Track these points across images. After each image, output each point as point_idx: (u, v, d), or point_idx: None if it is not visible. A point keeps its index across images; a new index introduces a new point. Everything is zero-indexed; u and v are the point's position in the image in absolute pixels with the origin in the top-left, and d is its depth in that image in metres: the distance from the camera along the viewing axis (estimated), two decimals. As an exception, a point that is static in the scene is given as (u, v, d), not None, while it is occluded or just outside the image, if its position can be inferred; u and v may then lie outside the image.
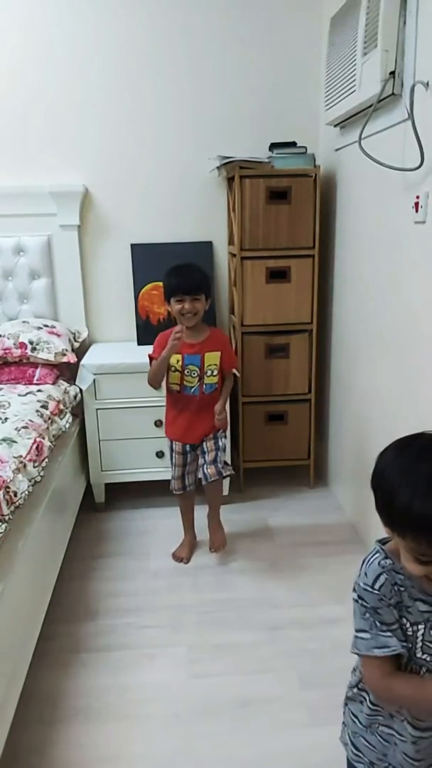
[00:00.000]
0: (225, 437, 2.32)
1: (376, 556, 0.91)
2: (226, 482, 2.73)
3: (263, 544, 2.45)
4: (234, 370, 2.30)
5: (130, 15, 2.69)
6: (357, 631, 0.91)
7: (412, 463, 0.80)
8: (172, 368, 2.19)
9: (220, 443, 2.27)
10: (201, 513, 2.42)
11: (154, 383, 2.21)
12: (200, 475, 2.29)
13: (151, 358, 2.21)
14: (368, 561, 0.91)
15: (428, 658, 0.90)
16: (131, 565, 2.32)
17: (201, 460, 2.28)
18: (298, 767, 1.46)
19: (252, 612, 2.03)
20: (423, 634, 0.89)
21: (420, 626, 0.89)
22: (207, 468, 2.24)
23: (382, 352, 2.20)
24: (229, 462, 2.34)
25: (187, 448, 2.28)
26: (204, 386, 2.20)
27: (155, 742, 1.55)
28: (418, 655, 0.90)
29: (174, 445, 2.30)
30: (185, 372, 2.18)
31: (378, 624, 0.88)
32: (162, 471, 2.70)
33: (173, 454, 2.31)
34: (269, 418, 2.80)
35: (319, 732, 1.54)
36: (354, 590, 0.91)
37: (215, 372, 2.20)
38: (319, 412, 2.90)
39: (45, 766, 1.49)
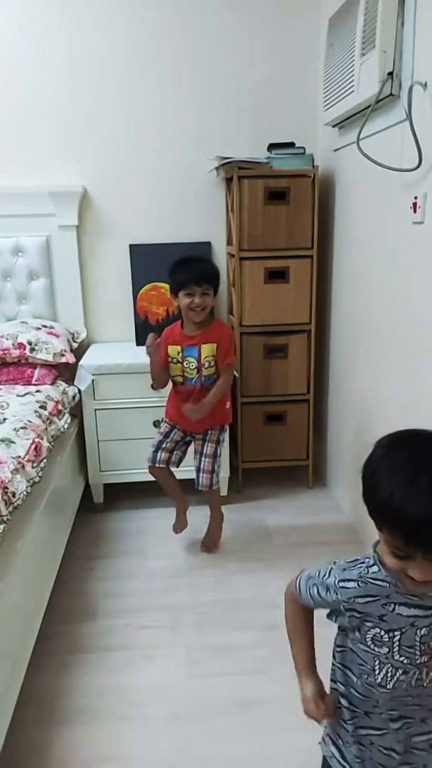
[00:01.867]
0: (225, 431, 2.32)
1: (366, 561, 0.92)
2: (224, 483, 2.73)
3: (262, 544, 2.45)
4: (235, 372, 2.30)
5: (130, 16, 2.69)
6: (307, 574, 1.01)
7: (400, 460, 0.81)
8: (174, 360, 2.20)
9: (219, 450, 2.27)
10: (201, 512, 2.42)
11: (157, 382, 2.24)
12: (194, 476, 2.30)
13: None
14: (356, 563, 0.94)
15: (405, 661, 0.90)
16: (130, 565, 2.32)
17: (197, 463, 2.28)
18: (298, 766, 1.46)
19: (250, 612, 2.04)
20: (400, 640, 0.90)
21: (396, 633, 0.89)
22: (202, 476, 2.26)
23: (380, 352, 2.20)
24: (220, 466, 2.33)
25: (174, 431, 2.31)
26: (203, 377, 2.20)
27: (153, 742, 1.55)
28: (395, 657, 0.90)
29: (163, 424, 2.34)
30: (185, 364, 2.19)
31: (317, 587, 0.97)
32: (161, 471, 2.70)
33: (162, 425, 2.33)
34: (268, 418, 2.80)
35: (316, 733, 1.53)
36: (334, 562, 0.97)
37: (212, 363, 2.20)
38: (318, 413, 2.90)
39: (44, 766, 1.49)
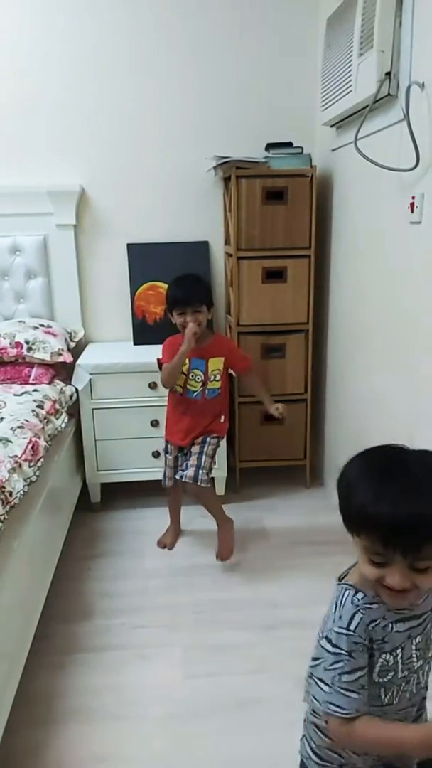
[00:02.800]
0: (218, 444, 2.28)
1: (347, 593, 0.90)
2: (221, 482, 2.73)
3: (259, 544, 2.45)
4: (231, 371, 2.30)
5: (129, 16, 2.69)
6: (318, 678, 0.89)
7: (371, 468, 0.84)
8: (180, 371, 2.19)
9: (207, 448, 2.23)
10: (195, 511, 2.42)
11: (170, 381, 2.19)
12: (179, 473, 2.27)
13: (160, 363, 2.22)
14: (341, 603, 0.90)
15: (407, 673, 0.91)
16: (127, 565, 2.32)
17: (183, 459, 2.28)
18: (294, 766, 1.46)
19: (247, 612, 2.03)
20: (401, 656, 0.90)
21: (398, 651, 0.90)
22: (188, 470, 2.21)
23: (378, 352, 2.20)
24: (213, 468, 2.28)
25: (169, 448, 2.33)
26: (206, 391, 2.21)
27: (150, 742, 1.55)
28: (399, 676, 0.91)
29: (168, 447, 2.33)
30: (190, 376, 2.19)
31: (341, 678, 0.86)
32: (158, 471, 2.68)
33: (167, 455, 2.34)
34: (265, 418, 2.79)
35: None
36: (326, 638, 0.89)
37: (218, 377, 2.21)
38: (316, 412, 2.90)
39: (40, 766, 1.49)
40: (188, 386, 2.21)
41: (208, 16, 2.72)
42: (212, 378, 2.20)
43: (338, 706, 0.86)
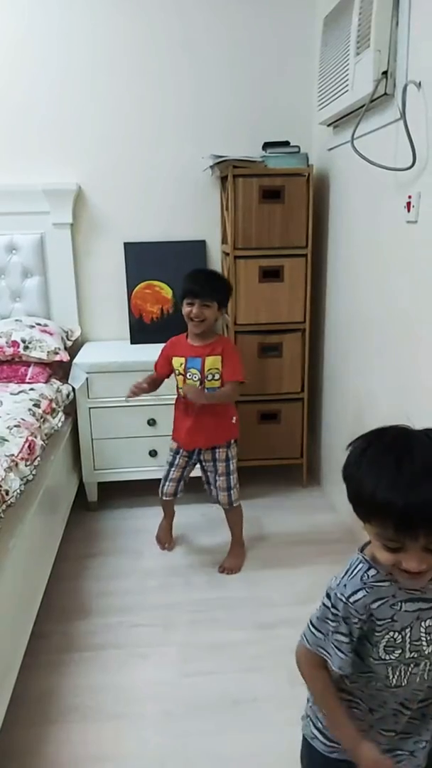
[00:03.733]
0: (230, 452, 2.25)
1: (360, 567, 0.92)
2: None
3: (255, 543, 2.45)
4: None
5: (126, 15, 2.68)
6: (313, 625, 0.95)
7: (379, 454, 0.83)
8: (177, 372, 2.19)
9: (231, 466, 2.24)
10: (195, 511, 2.42)
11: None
12: (212, 494, 2.29)
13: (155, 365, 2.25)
14: (351, 572, 0.92)
15: (415, 655, 0.91)
16: (124, 564, 2.32)
17: (212, 481, 2.26)
18: (289, 765, 1.46)
19: (244, 611, 2.04)
20: (410, 636, 0.90)
21: (407, 630, 0.90)
22: (220, 495, 2.24)
23: (374, 351, 2.20)
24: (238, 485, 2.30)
25: (183, 452, 2.27)
26: (206, 390, 2.15)
27: (147, 740, 1.55)
28: (407, 656, 0.91)
29: (177, 458, 2.29)
30: (187, 375, 2.17)
31: (335, 633, 0.91)
32: (155, 470, 2.68)
33: (171, 468, 2.30)
34: (262, 417, 2.80)
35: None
36: (327, 594, 0.93)
37: (216, 377, 2.15)
38: (312, 412, 2.91)
39: (37, 765, 1.49)
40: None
41: (205, 15, 2.72)
42: (209, 377, 2.16)
43: (326, 653, 0.93)
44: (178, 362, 2.17)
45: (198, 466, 2.31)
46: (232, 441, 2.26)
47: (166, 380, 2.28)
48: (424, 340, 1.77)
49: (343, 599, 0.90)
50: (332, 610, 0.91)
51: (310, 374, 2.81)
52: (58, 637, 1.92)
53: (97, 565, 2.32)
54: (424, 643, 0.91)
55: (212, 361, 2.15)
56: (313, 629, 0.95)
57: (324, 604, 0.93)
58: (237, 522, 2.33)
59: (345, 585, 0.91)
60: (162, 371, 2.25)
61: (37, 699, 1.68)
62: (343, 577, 0.93)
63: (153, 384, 2.26)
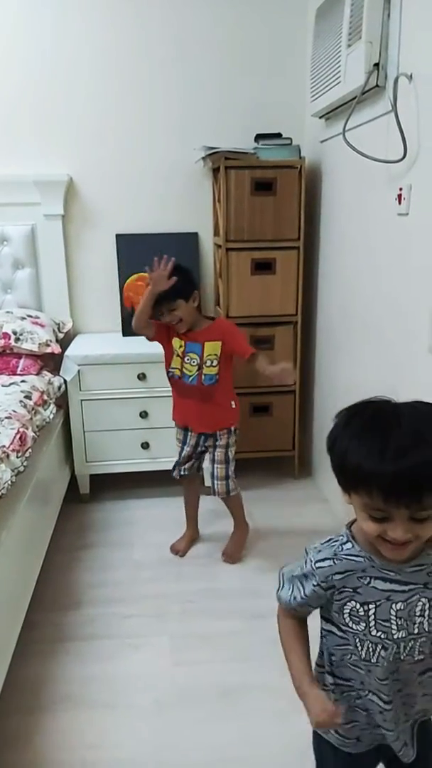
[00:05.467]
0: (230, 441, 2.24)
1: (339, 539, 0.95)
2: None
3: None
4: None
5: (117, 7, 2.67)
6: (286, 571, 1.02)
7: (364, 425, 0.84)
8: (175, 353, 2.16)
9: (230, 454, 2.23)
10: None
11: (137, 325, 2.12)
12: (207, 483, 2.28)
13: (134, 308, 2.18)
14: (331, 542, 0.96)
15: (382, 636, 0.92)
16: (115, 555, 2.33)
17: (209, 469, 2.26)
18: (280, 753, 1.48)
19: (235, 601, 2.05)
20: (375, 613, 0.91)
21: (371, 605, 0.91)
22: (217, 484, 2.24)
23: (365, 343, 2.21)
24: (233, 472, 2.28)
25: (188, 434, 2.25)
26: (203, 377, 2.13)
27: (138, 729, 1.57)
28: (372, 633, 0.92)
29: (176, 431, 2.29)
30: (185, 359, 2.14)
31: (295, 578, 0.99)
32: (147, 462, 2.70)
33: (182, 445, 2.28)
34: (254, 409, 2.81)
35: (300, 719, 1.54)
36: (305, 550, 0.99)
37: (215, 363, 2.13)
38: (304, 404, 2.92)
39: (29, 753, 1.50)
40: (184, 370, 2.16)
41: (197, 6, 2.70)
42: (208, 363, 2.12)
43: (280, 597, 1.02)
44: (177, 343, 2.14)
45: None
46: (233, 429, 2.24)
47: (156, 373, 2.26)
48: (415, 332, 1.78)
49: (312, 561, 0.95)
50: (301, 562, 0.98)
51: (302, 367, 2.82)
52: (50, 628, 1.93)
53: (88, 556, 2.32)
54: (394, 627, 0.91)
55: (212, 347, 2.12)
56: (285, 572, 1.02)
57: (303, 557, 0.99)
58: (237, 507, 2.33)
59: (319, 551, 0.96)
60: (156, 330, 2.16)
61: (29, 688, 1.69)
62: (323, 542, 0.97)
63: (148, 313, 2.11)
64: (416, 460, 0.78)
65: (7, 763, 1.47)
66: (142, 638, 1.88)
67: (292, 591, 0.98)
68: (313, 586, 0.94)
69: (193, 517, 2.41)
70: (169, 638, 1.89)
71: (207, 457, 2.28)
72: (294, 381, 2.09)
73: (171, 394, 2.29)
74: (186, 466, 2.29)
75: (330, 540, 0.96)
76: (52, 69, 2.70)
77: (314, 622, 1.03)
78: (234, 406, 2.25)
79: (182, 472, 2.31)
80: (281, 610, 1.03)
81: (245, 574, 2.21)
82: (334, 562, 0.93)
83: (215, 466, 2.24)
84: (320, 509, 2.64)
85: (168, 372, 2.21)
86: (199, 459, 2.31)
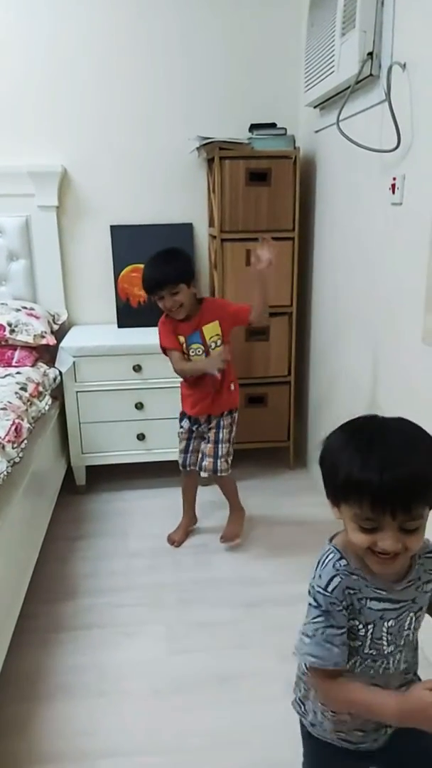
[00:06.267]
0: (233, 423, 2.24)
1: (331, 557, 0.92)
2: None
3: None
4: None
5: (109, -8, 2.65)
6: (302, 632, 0.92)
7: (351, 438, 0.86)
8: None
9: (222, 435, 2.21)
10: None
11: (186, 375, 2.16)
12: (205, 462, 2.26)
13: (164, 348, 2.16)
14: (323, 563, 0.92)
15: (374, 653, 0.93)
16: (111, 545, 2.34)
17: (203, 446, 2.25)
18: (276, 739, 1.49)
19: (230, 590, 2.06)
20: (372, 633, 0.92)
21: (370, 626, 0.91)
22: (206, 460, 2.22)
23: (360, 333, 2.22)
24: (230, 457, 2.28)
25: (195, 425, 2.24)
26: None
27: (134, 716, 1.58)
28: (366, 651, 0.92)
29: (183, 421, 2.27)
30: (190, 353, 2.13)
31: (324, 632, 0.89)
32: (143, 453, 2.71)
33: (181, 429, 2.28)
34: (249, 400, 2.81)
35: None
36: (309, 592, 0.92)
37: (219, 343, 2.12)
38: (299, 395, 2.93)
39: (25, 741, 1.51)
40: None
41: (191, -6, 2.69)
42: (212, 345, 2.11)
43: (317, 657, 0.89)
44: (180, 340, 2.14)
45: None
46: (234, 412, 2.25)
47: (151, 364, 2.25)
48: (408, 322, 1.79)
49: (322, 590, 0.90)
50: (314, 605, 0.90)
51: (296, 357, 2.82)
52: (46, 618, 1.94)
53: (84, 546, 2.34)
54: (385, 643, 0.92)
55: (211, 328, 2.11)
56: (303, 637, 0.91)
57: (309, 605, 0.92)
58: (232, 489, 2.34)
59: (320, 576, 0.91)
60: (179, 346, 2.15)
61: (25, 677, 1.70)
62: (316, 569, 0.92)
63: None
64: (403, 469, 0.79)
65: (2, 752, 1.49)
66: (138, 627, 1.90)
67: (328, 638, 0.89)
68: (339, 611, 0.89)
69: (191, 506, 2.41)
70: (164, 627, 1.90)
71: (208, 438, 2.25)
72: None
73: (168, 386, 2.28)
74: (191, 460, 2.27)
75: (321, 561, 0.93)
76: (47, 60, 2.68)
77: (297, 617, 1.01)
78: (233, 389, 2.24)
79: (188, 467, 2.28)
80: (321, 676, 0.91)
81: (240, 563, 2.22)
82: (341, 578, 0.90)
83: (219, 445, 2.22)
84: (315, 499, 2.64)
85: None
86: (196, 447, 2.30)
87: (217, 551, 2.30)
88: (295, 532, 2.38)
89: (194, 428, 2.26)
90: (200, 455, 2.26)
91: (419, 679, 1.02)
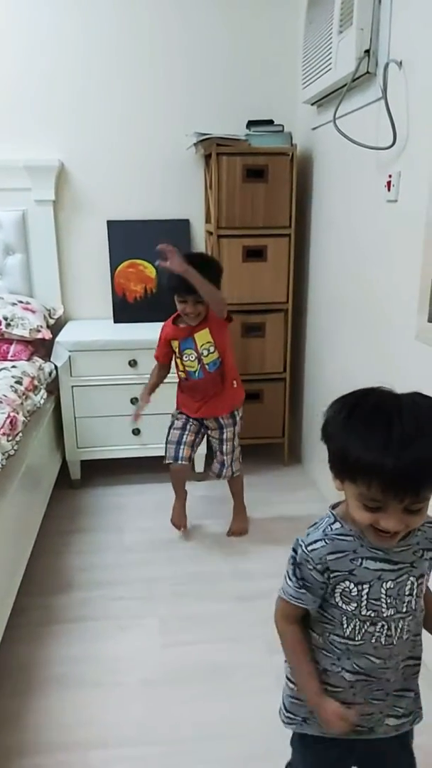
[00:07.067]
0: (236, 425, 2.29)
1: (326, 520, 0.95)
2: (201, 460, 2.76)
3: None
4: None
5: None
6: (285, 575, 0.99)
7: (366, 415, 0.84)
8: (175, 354, 2.18)
9: (237, 442, 2.29)
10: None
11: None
12: (215, 470, 2.32)
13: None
14: (317, 525, 0.96)
15: (372, 614, 0.93)
16: (105, 539, 2.35)
17: (216, 449, 2.29)
18: (267, 730, 1.50)
19: (224, 584, 2.08)
20: (368, 593, 0.93)
21: (365, 585, 0.92)
22: (225, 466, 2.30)
23: (354, 330, 2.23)
24: (240, 455, 2.37)
25: (190, 421, 2.25)
26: (206, 366, 2.14)
27: (127, 707, 1.59)
28: (363, 612, 0.94)
29: (174, 421, 2.28)
30: (183, 358, 2.15)
31: (296, 577, 0.96)
32: (138, 448, 2.72)
33: (171, 428, 2.27)
34: (245, 396, 2.81)
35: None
36: (296, 540, 0.97)
37: (212, 349, 2.14)
38: (294, 391, 2.94)
39: (20, 732, 1.52)
40: (187, 368, 2.17)
41: (189, -10, 2.69)
42: (204, 353, 2.13)
43: (283, 589, 0.98)
44: (174, 345, 2.17)
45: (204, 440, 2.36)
46: (237, 410, 2.28)
47: (147, 360, 2.28)
48: (402, 318, 1.80)
49: (303, 546, 0.94)
50: (292, 553, 0.97)
51: (292, 354, 2.83)
52: (40, 610, 1.95)
53: (79, 540, 2.34)
54: (384, 606, 0.93)
55: (202, 336, 2.13)
56: (285, 578, 0.99)
57: (293, 549, 0.97)
58: (239, 489, 2.40)
59: (308, 534, 0.95)
60: (164, 360, 2.24)
61: (19, 669, 1.71)
62: (310, 527, 0.97)
63: (156, 384, 2.28)
64: (417, 454, 0.78)
65: (-3, 742, 1.50)
66: (132, 620, 1.91)
67: (293, 583, 0.96)
68: (309, 570, 0.93)
69: (183, 492, 2.36)
70: (158, 619, 1.91)
71: (213, 443, 2.30)
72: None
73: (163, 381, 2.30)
74: (185, 454, 2.26)
75: (316, 523, 0.96)
76: (45, 54, 2.68)
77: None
78: (235, 386, 2.26)
79: (180, 461, 2.26)
80: (282, 618, 1.01)
81: (234, 558, 2.23)
82: (325, 542, 0.92)
83: (225, 446, 2.27)
84: (309, 495, 2.67)
85: (178, 375, 2.24)
86: (196, 450, 2.31)
87: (210, 546, 2.31)
88: (288, 528, 2.39)
89: (192, 422, 2.26)
90: (219, 458, 2.30)
91: (418, 665, 1.02)
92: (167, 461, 2.28)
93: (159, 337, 2.23)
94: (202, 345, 2.14)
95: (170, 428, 2.29)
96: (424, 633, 1.02)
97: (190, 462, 2.31)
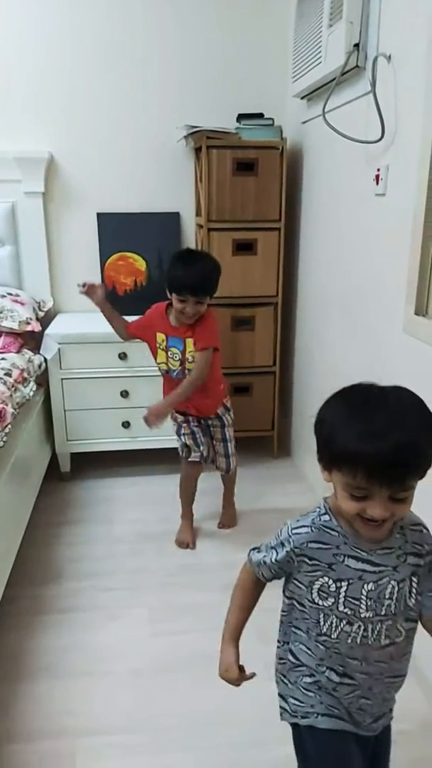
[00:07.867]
0: (228, 421, 2.30)
1: (317, 510, 0.98)
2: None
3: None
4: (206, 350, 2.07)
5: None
6: (266, 541, 1.04)
7: (352, 408, 0.87)
8: (160, 346, 2.14)
9: (228, 434, 2.31)
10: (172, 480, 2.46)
11: (118, 333, 2.23)
12: (222, 465, 2.35)
13: (134, 322, 2.18)
14: (307, 513, 0.99)
15: (349, 612, 0.95)
16: (95, 531, 2.35)
17: (222, 449, 2.32)
18: (256, 718, 1.52)
19: (213, 575, 2.09)
20: (346, 591, 0.94)
21: (343, 583, 0.94)
22: (229, 461, 2.34)
23: (343, 323, 2.24)
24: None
25: (190, 420, 2.24)
26: (186, 371, 2.11)
27: (116, 696, 1.60)
28: (340, 609, 0.95)
29: (176, 424, 2.26)
30: (168, 354, 2.12)
31: (271, 552, 1.01)
32: (128, 441, 2.72)
33: (182, 432, 2.25)
34: (234, 390, 2.82)
35: (275, 685, 1.60)
36: (285, 522, 1.01)
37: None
38: (283, 384, 2.95)
39: (8, 721, 1.53)
40: (170, 365, 2.14)
41: (180, -18, 2.68)
42: (190, 359, 2.09)
43: (250, 555, 1.07)
44: (160, 337, 2.13)
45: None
46: (226, 408, 2.30)
47: (137, 353, 2.27)
48: (391, 312, 1.81)
49: (289, 528, 0.98)
50: (278, 533, 1.01)
51: (281, 348, 2.85)
52: (29, 601, 1.95)
53: (68, 532, 2.35)
54: (363, 607, 0.94)
55: (192, 344, 2.09)
56: (257, 549, 1.05)
57: (279, 529, 1.01)
58: (233, 481, 2.44)
59: (297, 519, 0.99)
60: (134, 333, 2.17)
61: (8, 658, 1.72)
62: (303, 515, 1.00)
63: (115, 321, 2.19)
64: (401, 441, 0.80)
65: (-15, 729, 1.50)
66: (121, 610, 1.92)
67: (265, 555, 1.02)
68: (287, 552, 0.97)
69: (191, 500, 2.35)
70: (147, 610, 1.92)
71: (214, 438, 2.32)
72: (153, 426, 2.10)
73: (153, 374, 2.30)
74: (203, 451, 2.24)
75: (309, 513, 0.99)
76: (35, 45, 2.66)
77: (277, 600, 1.06)
78: (222, 388, 2.28)
79: (199, 458, 2.24)
80: (245, 568, 1.09)
81: (224, 549, 2.25)
82: (311, 530, 0.95)
83: (227, 444, 2.31)
84: (298, 488, 2.69)
85: (157, 365, 2.20)
86: (199, 437, 2.26)
87: (202, 538, 2.32)
88: (277, 520, 2.36)
89: (192, 419, 2.25)
90: (223, 454, 2.32)
91: (403, 680, 1.03)
92: (184, 457, 2.27)
93: (144, 316, 2.16)
94: (190, 351, 2.09)
95: (180, 434, 2.26)
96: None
97: (208, 455, 2.30)
